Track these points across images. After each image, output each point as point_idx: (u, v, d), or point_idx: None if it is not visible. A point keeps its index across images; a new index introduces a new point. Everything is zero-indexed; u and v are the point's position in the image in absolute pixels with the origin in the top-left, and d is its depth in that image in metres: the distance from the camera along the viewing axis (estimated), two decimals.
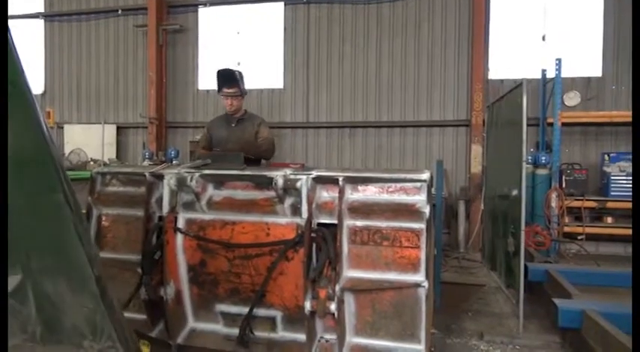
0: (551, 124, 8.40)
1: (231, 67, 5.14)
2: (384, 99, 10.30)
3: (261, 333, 3.28)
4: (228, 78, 4.84)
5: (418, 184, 3.06)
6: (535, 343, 4.46)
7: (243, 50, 11.14)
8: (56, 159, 1.41)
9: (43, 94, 12.46)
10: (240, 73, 4.92)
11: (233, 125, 4.94)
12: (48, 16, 12.36)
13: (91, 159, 10.73)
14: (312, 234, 3.19)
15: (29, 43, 12.43)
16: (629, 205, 7.24)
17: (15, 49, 1.53)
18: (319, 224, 3.23)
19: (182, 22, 11.36)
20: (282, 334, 3.29)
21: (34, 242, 1.20)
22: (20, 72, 1.49)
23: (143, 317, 3.57)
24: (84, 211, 3.77)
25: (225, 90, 4.85)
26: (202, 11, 11.38)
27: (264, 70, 10.98)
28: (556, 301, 4.32)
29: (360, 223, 3.12)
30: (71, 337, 1.16)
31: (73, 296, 1.19)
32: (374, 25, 10.33)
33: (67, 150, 11.50)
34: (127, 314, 3.55)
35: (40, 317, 1.11)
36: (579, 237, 8.04)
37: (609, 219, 8.42)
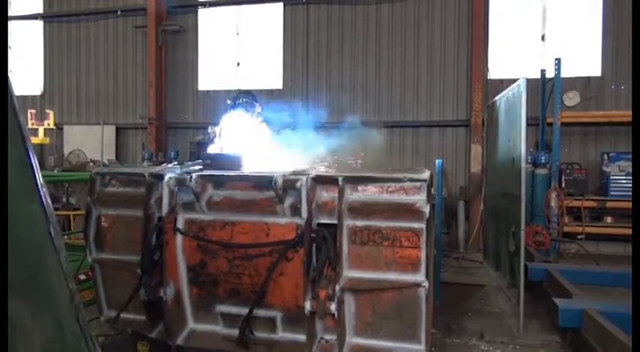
0: (550, 124, 8.40)
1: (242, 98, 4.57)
2: (384, 100, 10.29)
3: (261, 334, 3.27)
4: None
5: (418, 184, 3.06)
6: (535, 342, 4.46)
7: (242, 51, 11.14)
8: (33, 163, 1.24)
9: (42, 95, 12.47)
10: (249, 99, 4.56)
11: None
12: (47, 17, 12.35)
13: (91, 160, 10.73)
14: (312, 234, 3.19)
15: (28, 44, 12.44)
16: (629, 205, 7.23)
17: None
18: (319, 224, 3.23)
19: (181, 23, 11.36)
20: (282, 334, 3.29)
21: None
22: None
23: (143, 317, 3.56)
24: (83, 212, 3.73)
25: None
26: (202, 12, 11.38)
27: (264, 71, 10.97)
28: (556, 300, 4.32)
29: (360, 223, 3.11)
30: None
31: (32, 321, 1.04)
32: (373, 26, 10.33)
33: (66, 151, 11.52)
34: (126, 315, 3.57)
35: None
36: (579, 237, 8.04)
37: (609, 219, 8.42)
